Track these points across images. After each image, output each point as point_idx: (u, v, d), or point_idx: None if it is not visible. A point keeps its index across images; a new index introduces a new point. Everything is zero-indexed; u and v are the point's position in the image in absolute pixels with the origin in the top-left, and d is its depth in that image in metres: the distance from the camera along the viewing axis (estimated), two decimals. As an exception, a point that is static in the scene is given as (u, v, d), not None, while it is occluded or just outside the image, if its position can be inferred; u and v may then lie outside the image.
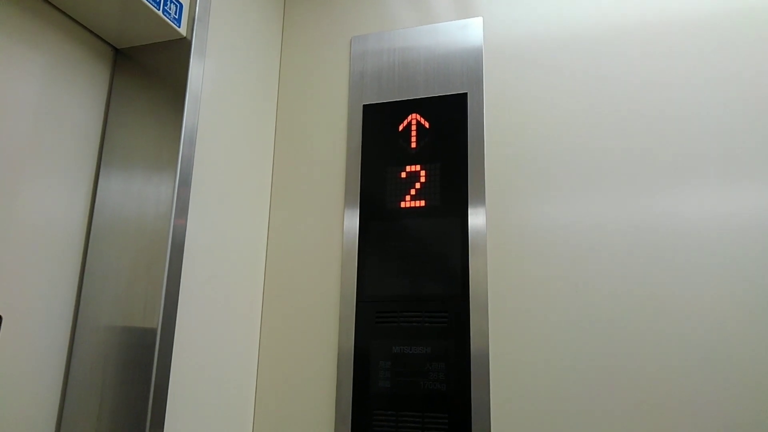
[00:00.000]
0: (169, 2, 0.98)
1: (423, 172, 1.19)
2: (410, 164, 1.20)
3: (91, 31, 1.01)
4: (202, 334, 1.02)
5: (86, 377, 0.87)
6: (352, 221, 1.21)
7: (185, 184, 0.96)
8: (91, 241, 0.95)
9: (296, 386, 1.17)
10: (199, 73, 1.03)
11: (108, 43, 1.05)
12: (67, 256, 0.92)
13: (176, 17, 1.00)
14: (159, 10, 0.96)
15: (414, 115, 1.23)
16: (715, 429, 0.94)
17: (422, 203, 1.17)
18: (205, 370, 1.03)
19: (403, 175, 1.20)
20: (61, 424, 0.86)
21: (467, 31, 1.24)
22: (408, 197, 1.19)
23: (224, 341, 1.09)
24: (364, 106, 1.27)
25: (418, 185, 1.19)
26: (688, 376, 0.96)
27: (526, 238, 1.10)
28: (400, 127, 1.23)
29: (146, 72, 1.04)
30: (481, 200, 1.13)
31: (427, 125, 1.21)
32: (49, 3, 0.92)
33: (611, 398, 0.99)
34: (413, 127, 1.22)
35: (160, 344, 0.86)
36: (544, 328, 1.05)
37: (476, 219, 1.13)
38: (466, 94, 1.20)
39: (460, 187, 1.15)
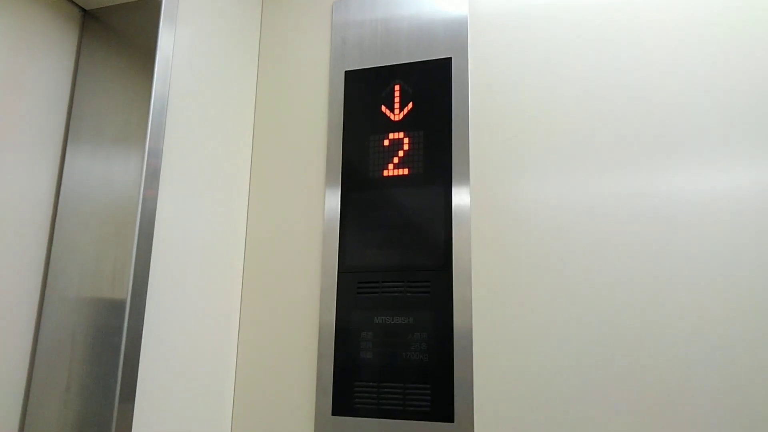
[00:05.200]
0: (135, -40, 0.94)
1: (406, 140, 1.15)
2: (393, 131, 1.17)
3: (56, -9, 0.96)
4: (176, 306, 0.99)
5: (54, 350, 0.85)
6: (333, 190, 1.18)
7: (155, 154, 0.92)
8: (59, 211, 0.92)
9: (277, 359, 1.15)
10: (170, 36, 0.98)
11: (76, 4, 1.00)
12: (33, 227, 0.89)
13: (145, -24, 0.96)
14: (125, -32, 0.92)
15: (397, 80, 1.19)
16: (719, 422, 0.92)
17: (405, 171, 1.14)
18: (181, 343, 1.01)
19: (386, 142, 1.17)
20: (29, 397, 0.84)
21: (452, -7, 1.20)
22: (391, 165, 1.15)
23: (201, 314, 1.07)
24: (346, 72, 1.23)
25: (401, 153, 1.15)
26: (674, 356, 0.95)
27: (511, 209, 1.08)
28: (383, 93, 1.19)
29: (116, 35, 1.00)
30: (466, 168, 1.10)
31: (410, 91, 1.17)
32: (8, -39, 0.88)
33: (596, 373, 0.97)
34: (396, 93, 1.18)
35: (129, 315, 0.84)
36: (528, 301, 1.03)
37: (460, 188, 1.10)
38: (450, 58, 1.16)
39: (445, 155, 1.12)
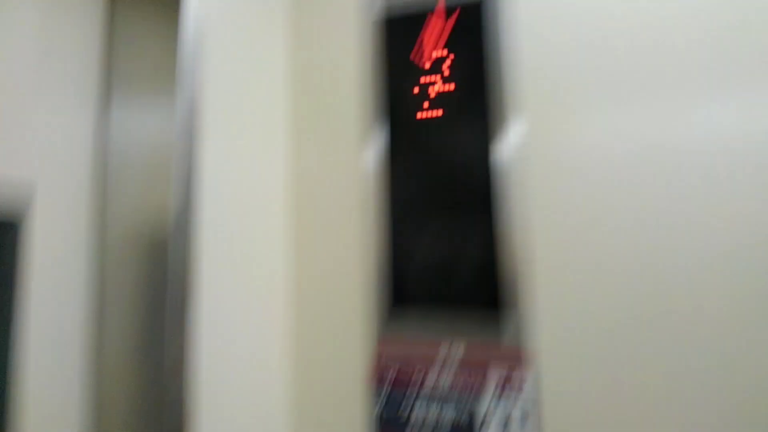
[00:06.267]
0: None
1: (446, 84, 1.13)
2: (430, 74, 1.14)
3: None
4: (223, 252, 1.04)
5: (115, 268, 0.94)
6: (377, 133, 1.18)
7: (192, 103, 0.95)
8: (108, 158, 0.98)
9: (333, 284, 1.21)
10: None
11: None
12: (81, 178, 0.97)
13: None
14: None
15: (441, 17, 1.15)
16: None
17: (444, 112, 1.12)
18: (232, 275, 1.05)
19: (429, 82, 1.14)
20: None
21: None
22: (427, 104, 1.14)
23: (253, 251, 1.12)
24: (385, 9, 1.20)
25: (442, 93, 1.13)
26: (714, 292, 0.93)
27: (567, 146, 1.05)
28: (426, 31, 1.16)
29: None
30: (516, 107, 1.08)
31: (456, 27, 1.13)
32: None
33: (642, 318, 0.98)
34: (440, 31, 1.15)
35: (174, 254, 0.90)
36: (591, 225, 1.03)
37: (511, 126, 1.07)
38: (492, -9, 1.11)
39: (492, 94, 1.09)
